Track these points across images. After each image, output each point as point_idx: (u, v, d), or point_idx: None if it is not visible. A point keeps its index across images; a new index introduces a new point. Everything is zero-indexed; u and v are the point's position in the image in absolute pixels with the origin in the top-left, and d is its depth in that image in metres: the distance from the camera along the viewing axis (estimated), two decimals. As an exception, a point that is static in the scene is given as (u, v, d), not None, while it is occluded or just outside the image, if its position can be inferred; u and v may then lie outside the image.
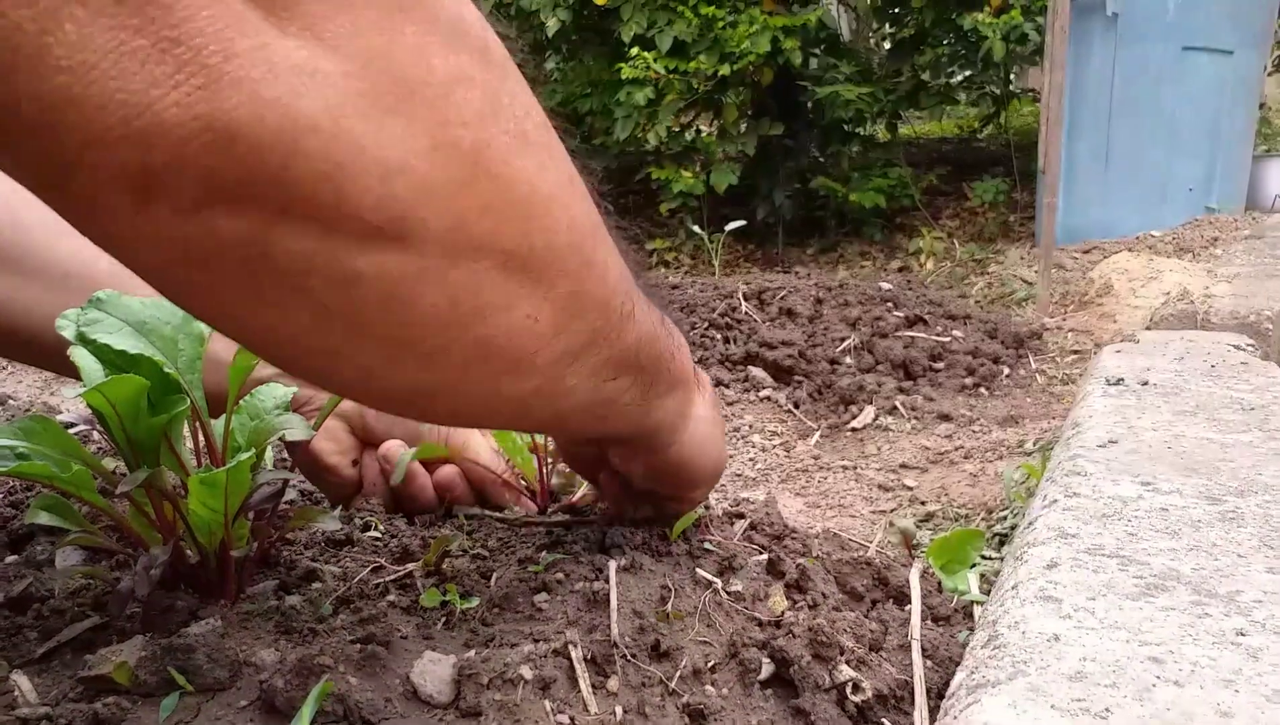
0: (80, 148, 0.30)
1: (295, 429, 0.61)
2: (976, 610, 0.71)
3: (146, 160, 0.31)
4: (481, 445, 0.80)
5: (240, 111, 0.31)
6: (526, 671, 0.50)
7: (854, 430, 1.77)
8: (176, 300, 0.40)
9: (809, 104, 4.29)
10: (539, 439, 0.79)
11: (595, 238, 0.47)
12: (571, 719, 0.49)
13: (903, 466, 1.52)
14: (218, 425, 0.59)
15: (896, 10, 4.39)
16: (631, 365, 0.52)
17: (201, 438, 0.59)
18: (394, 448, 0.78)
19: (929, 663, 0.63)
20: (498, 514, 0.78)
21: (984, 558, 0.88)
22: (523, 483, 0.81)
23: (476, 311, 0.40)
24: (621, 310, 0.49)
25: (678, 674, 0.54)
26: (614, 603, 0.58)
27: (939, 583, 0.78)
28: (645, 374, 0.54)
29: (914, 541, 0.97)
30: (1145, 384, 1.13)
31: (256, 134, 0.31)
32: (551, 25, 3.92)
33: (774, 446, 1.63)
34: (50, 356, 0.67)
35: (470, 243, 0.38)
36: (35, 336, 0.69)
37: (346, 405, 0.76)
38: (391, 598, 0.59)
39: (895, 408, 1.82)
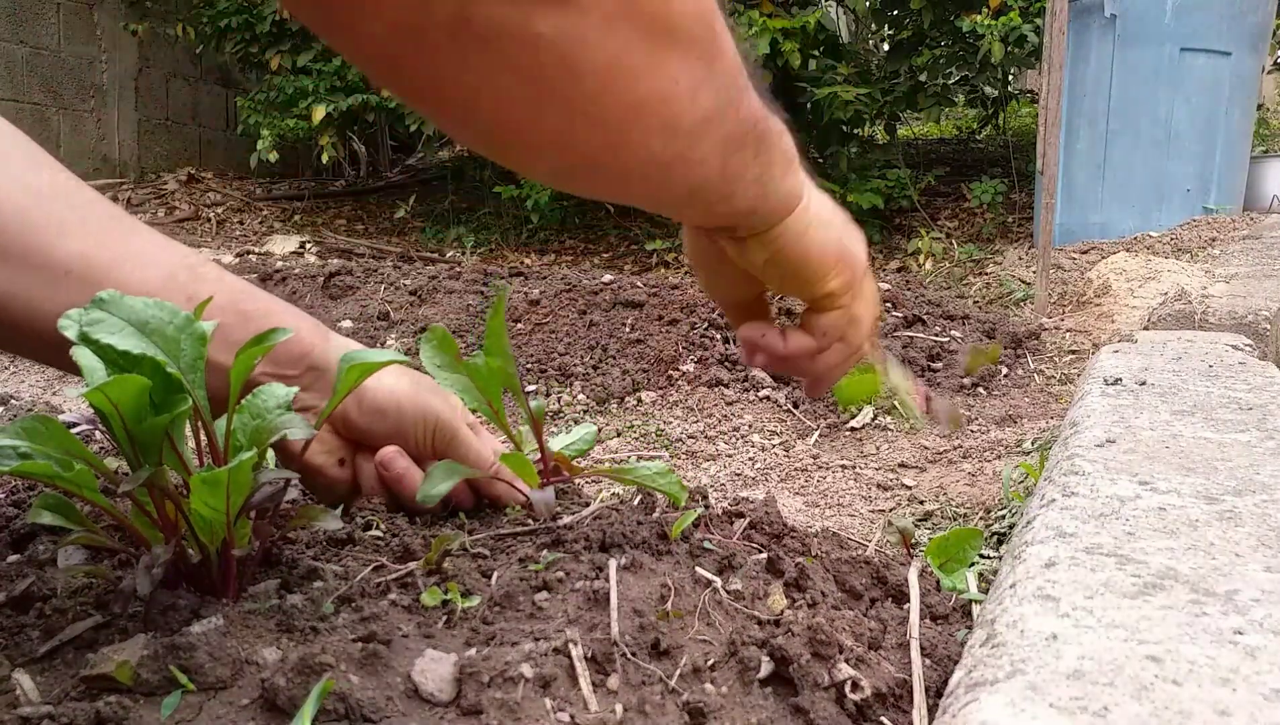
0: None
1: (296, 429, 0.61)
2: (975, 609, 0.72)
3: None
4: (472, 441, 0.80)
5: None
6: (527, 670, 0.51)
7: (853, 430, 1.77)
8: (391, 79, 0.46)
9: (808, 105, 4.30)
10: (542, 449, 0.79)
11: (718, 16, 0.53)
12: (572, 717, 0.49)
13: (901, 466, 1.52)
14: (219, 425, 0.60)
15: (895, 12, 4.39)
16: (751, 138, 0.58)
17: (203, 437, 0.59)
18: (391, 454, 0.78)
19: (927, 661, 0.63)
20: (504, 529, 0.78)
21: (983, 557, 0.88)
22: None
23: (631, 72, 0.47)
24: (740, 83, 0.56)
25: (677, 672, 0.55)
26: (614, 601, 0.58)
27: (937, 581, 0.78)
28: (763, 148, 0.60)
29: (912, 540, 0.97)
30: (1143, 384, 1.13)
31: None
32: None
33: (773, 446, 1.64)
34: (50, 351, 0.68)
35: (621, 6, 0.45)
36: (37, 331, 0.69)
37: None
38: (392, 596, 0.60)
39: (894, 407, 1.82)
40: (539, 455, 0.80)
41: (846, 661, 0.58)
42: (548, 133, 0.49)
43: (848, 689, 0.56)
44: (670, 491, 0.75)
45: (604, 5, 0.45)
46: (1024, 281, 2.99)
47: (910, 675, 0.61)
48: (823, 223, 0.68)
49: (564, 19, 0.44)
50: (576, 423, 1.77)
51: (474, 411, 0.80)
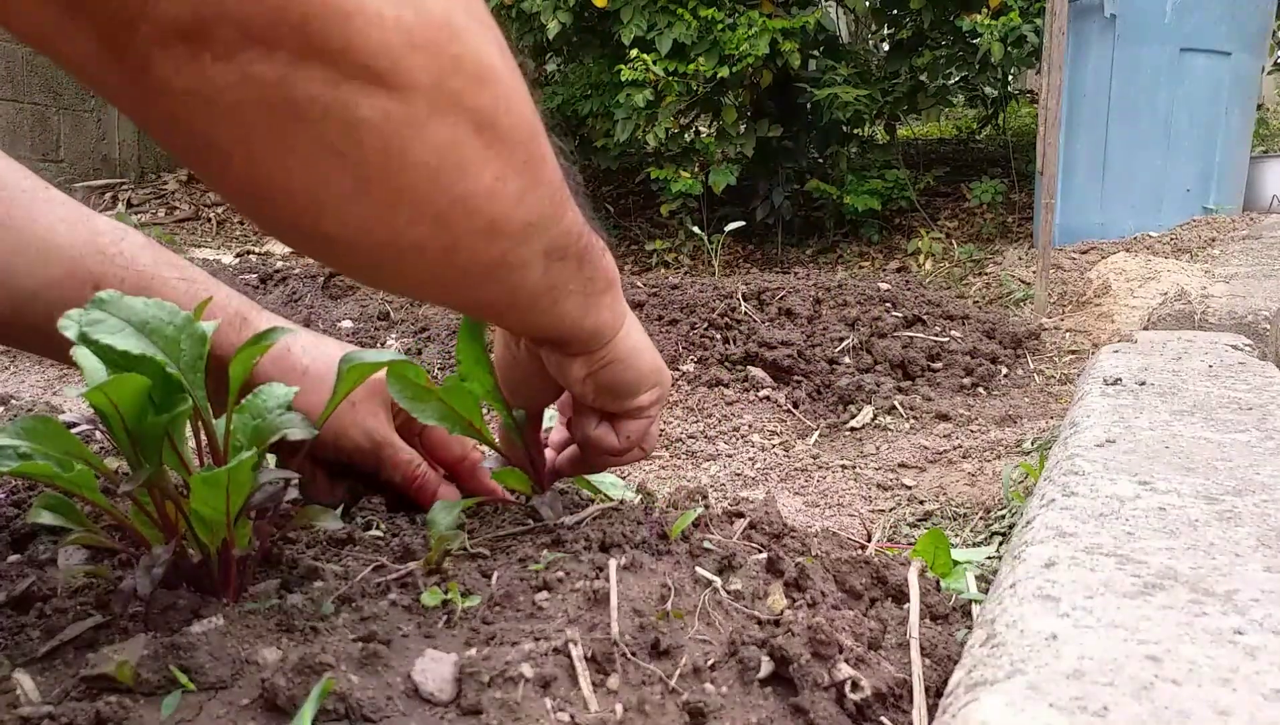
0: (143, 4, 0.38)
1: (296, 429, 0.61)
2: (975, 609, 0.72)
3: (198, 11, 0.38)
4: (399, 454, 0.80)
5: None
6: (527, 670, 0.51)
7: (852, 430, 1.77)
8: (205, 159, 0.45)
9: (808, 105, 4.30)
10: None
11: (540, 127, 0.53)
12: (572, 717, 0.49)
13: (901, 466, 1.52)
14: (219, 424, 0.60)
15: (895, 12, 4.39)
16: (574, 251, 0.59)
17: (204, 437, 0.59)
18: (417, 464, 0.80)
19: (927, 661, 0.63)
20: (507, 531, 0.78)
21: (988, 557, 0.88)
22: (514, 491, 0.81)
23: (458, 166, 0.47)
24: (564, 194, 0.56)
25: (677, 672, 0.55)
26: (614, 601, 0.58)
27: (937, 581, 0.78)
28: (585, 262, 0.60)
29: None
30: (1143, 384, 1.13)
31: None
32: (552, 28, 3.92)
33: (773, 446, 1.64)
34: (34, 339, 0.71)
35: (449, 98, 0.45)
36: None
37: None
38: (393, 596, 0.60)
39: (894, 407, 1.82)
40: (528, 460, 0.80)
41: (846, 661, 0.58)
42: (368, 220, 0.47)
43: (848, 689, 0.56)
44: (611, 494, 0.77)
45: (431, 95, 0.44)
46: (1024, 281, 2.99)
47: (910, 675, 0.61)
48: (641, 343, 0.70)
49: (387, 104, 0.43)
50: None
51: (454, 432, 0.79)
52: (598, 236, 0.62)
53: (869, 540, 0.89)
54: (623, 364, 0.68)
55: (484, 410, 0.76)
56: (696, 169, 4.05)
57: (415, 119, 0.44)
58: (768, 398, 1.84)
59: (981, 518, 1.22)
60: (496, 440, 0.78)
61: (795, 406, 1.85)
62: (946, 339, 2.17)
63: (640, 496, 0.83)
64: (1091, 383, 1.16)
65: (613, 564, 0.62)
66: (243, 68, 0.40)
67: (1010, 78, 4.57)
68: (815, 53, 4.26)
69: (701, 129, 4.42)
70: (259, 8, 0.39)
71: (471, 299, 0.60)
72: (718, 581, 0.65)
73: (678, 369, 1.94)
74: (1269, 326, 1.83)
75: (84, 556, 0.65)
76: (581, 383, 0.69)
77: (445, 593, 0.60)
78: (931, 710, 0.57)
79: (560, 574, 0.62)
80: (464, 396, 0.73)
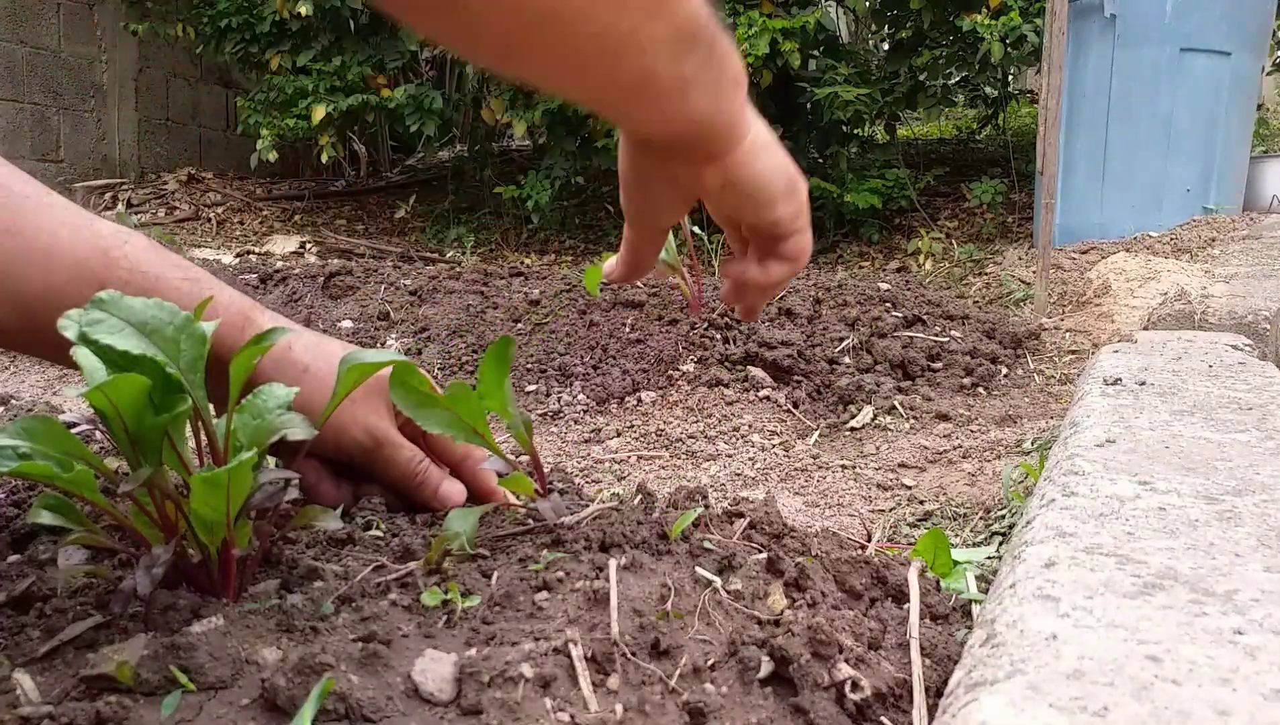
0: None
1: (297, 429, 0.61)
2: (975, 609, 0.72)
3: None
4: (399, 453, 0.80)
5: None
6: (527, 670, 0.51)
7: (853, 430, 1.77)
8: None
9: (808, 105, 4.30)
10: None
11: None
12: (572, 717, 0.49)
13: (901, 466, 1.52)
14: (220, 425, 0.60)
15: (895, 12, 4.39)
16: (703, 39, 0.58)
17: (204, 437, 0.59)
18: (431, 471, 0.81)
19: (927, 661, 0.63)
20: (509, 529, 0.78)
21: (988, 557, 0.88)
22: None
23: None
24: None
25: (677, 672, 0.55)
26: (614, 601, 0.58)
27: (937, 581, 0.78)
28: (715, 54, 0.59)
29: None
30: (1143, 384, 1.13)
31: None
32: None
33: (773, 446, 1.64)
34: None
35: None
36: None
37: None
38: (393, 596, 0.60)
39: (894, 407, 1.82)
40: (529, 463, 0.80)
41: (846, 661, 0.58)
42: None
43: (848, 689, 0.56)
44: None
45: None
46: (1024, 281, 2.99)
47: (910, 675, 0.61)
48: (771, 148, 0.69)
49: None
50: (576, 423, 1.77)
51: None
52: (726, 34, 0.61)
53: (869, 540, 0.89)
54: (759, 165, 0.67)
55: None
56: (696, 169, 4.04)
57: None
58: (768, 398, 1.84)
59: (981, 518, 1.22)
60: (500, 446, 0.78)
61: (795, 406, 1.85)
62: (946, 339, 2.17)
63: (640, 496, 0.83)
64: (1091, 383, 1.16)
65: (613, 564, 0.62)
66: None
67: (1010, 78, 4.57)
68: (815, 52, 4.26)
69: (702, 129, 4.41)
70: None
71: (604, 78, 0.58)
72: (718, 581, 0.65)
73: (678, 369, 1.94)
74: (1269, 326, 1.83)
75: (84, 556, 0.65)
76: (720, 193, 0.67)
77: (445, 593, 0.60)
78: (931, 710, 0.57)
79: (560, 574, 0.62)
80: (469, 403, 0.72)
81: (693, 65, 0.58)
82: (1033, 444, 1.52)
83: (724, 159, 0.66)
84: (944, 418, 1.76)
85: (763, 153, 0.68)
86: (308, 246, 4.60)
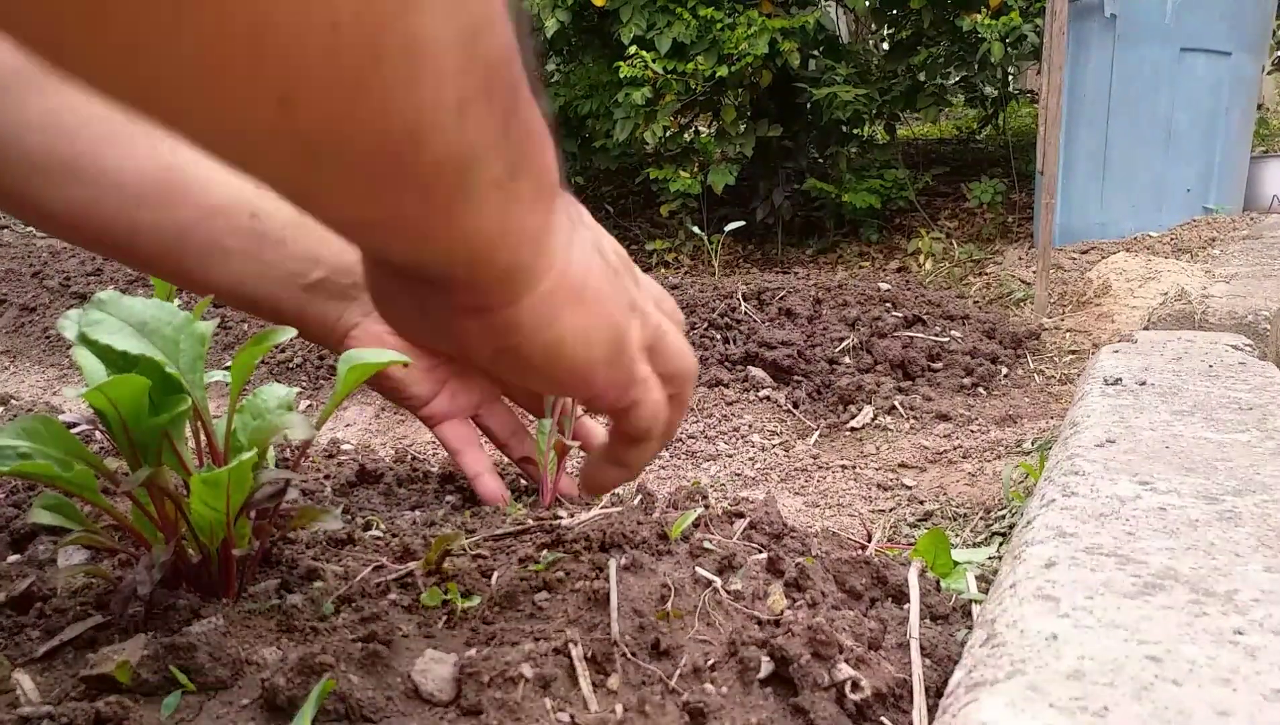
0: None
1: (297, 428, 0.61)
2: (975, 609, 0.72)
3: None
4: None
5: None
6: (527, 670, 0.51)
7: (853, 430, 1.77)
8: None
9: (807, 105, 4.30)
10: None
11: None
12: (572, 717, 0.49)
13: (901, 466, 1.52)
14: (219, 424, 0.60)
15: (895, 12, 4.39)
16: (503, 99, 0.34)
17: (203, 437, 0.59)
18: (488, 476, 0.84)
19: (928, 661, 0.63)
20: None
21: (988, 558, 0.88)
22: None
23: None
24: (502, 15, 0.34)
25: (677, 672, 0.55)
26: (614, 601, 0.58)
27: (937, 581, 0.78)
28: (513, 129, 0.36)
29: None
30: (1143, 384, 1.13)
31: None
32: (551, 27, 3.92)
33: (773, 446, 1.64)
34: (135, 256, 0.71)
35: None
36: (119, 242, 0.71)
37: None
38: (393, 596, 0.60)
39: (894, 407, 1.82)
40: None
41: (846, 661, 0.58)
42: None
43: (848, 689, 0.56)
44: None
45: None
46: (1024, 281, 2.99)
47: (910, 675, 0.61)
48: (588, 293, 0.44)
49: None
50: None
51: None
52: (538, 101, 0.38)
53: (869, 540, 0.89)
54: (560, 328, 0.43)
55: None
56: (696, 169, 4.05)
57: None
58: (768, 398, 1.84)
59: (981, 518, 1.22)
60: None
61: (795, 406, 1.85)
62: (946, 339, 2.17)
63: (640, 496, 0.83)
64: (1092, 383, 1.16)
65: (613, 564, 0.62)
66: None
67: (1010, 78, 4.57)
68: (815, 52, 4.26)
69: (701, 129, 4.42)
70: None
71: (373, 121, 0.31)
72: (718, 581, 0.65)
73: (678, 369, 1.94)
74: (1269, 326, 1.83)
75: (84, 556, 0.65)
76: (492, 360, 0.44)
77: (445, 593, 0.60)
78: (931, 710, 0.57)
79: (560, 574, 0.62)
80: None
81: (478, 138, 0.34)
82: (1033, 444, 1.52)
83: (500, 312, 0.41)
84: (944, 418, 1.76)
85: (570, 305, 0.43)
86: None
